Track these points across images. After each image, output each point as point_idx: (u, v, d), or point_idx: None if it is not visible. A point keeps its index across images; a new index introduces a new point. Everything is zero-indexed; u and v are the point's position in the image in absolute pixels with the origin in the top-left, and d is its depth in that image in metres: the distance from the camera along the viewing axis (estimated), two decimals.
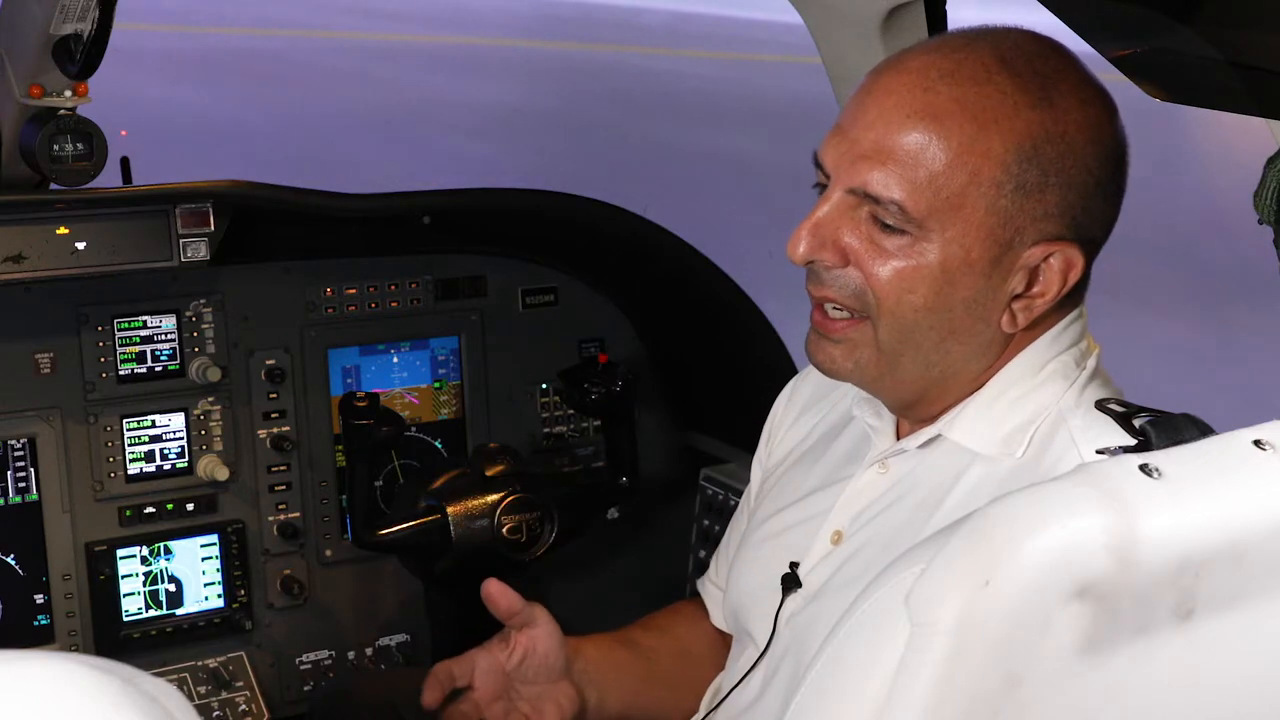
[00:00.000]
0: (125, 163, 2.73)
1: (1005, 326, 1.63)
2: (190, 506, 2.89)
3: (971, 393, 1.68)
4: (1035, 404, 1.65)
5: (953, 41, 1.62)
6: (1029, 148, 1.56)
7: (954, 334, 1.63)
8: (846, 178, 1.60)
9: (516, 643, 1.97)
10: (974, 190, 1.56)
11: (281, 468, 2.96)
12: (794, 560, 1.80)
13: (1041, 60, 1.59)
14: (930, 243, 1.58)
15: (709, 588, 2.12)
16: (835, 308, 1.66)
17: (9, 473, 2.75)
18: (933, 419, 1.71)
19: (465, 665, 1.97)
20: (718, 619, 2.07)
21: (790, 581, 1.79)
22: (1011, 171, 1.56)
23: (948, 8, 2.23)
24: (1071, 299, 1.67)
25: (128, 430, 2.83)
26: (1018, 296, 1.62)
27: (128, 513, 2.84)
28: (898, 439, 1.77)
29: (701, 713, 1.98)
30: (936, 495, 1.68)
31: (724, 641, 2.06)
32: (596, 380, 2.84)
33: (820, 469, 1.87)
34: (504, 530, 2.71)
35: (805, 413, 1.99)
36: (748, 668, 1.84)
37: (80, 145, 2.50)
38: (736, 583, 1.94)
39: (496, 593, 1.98)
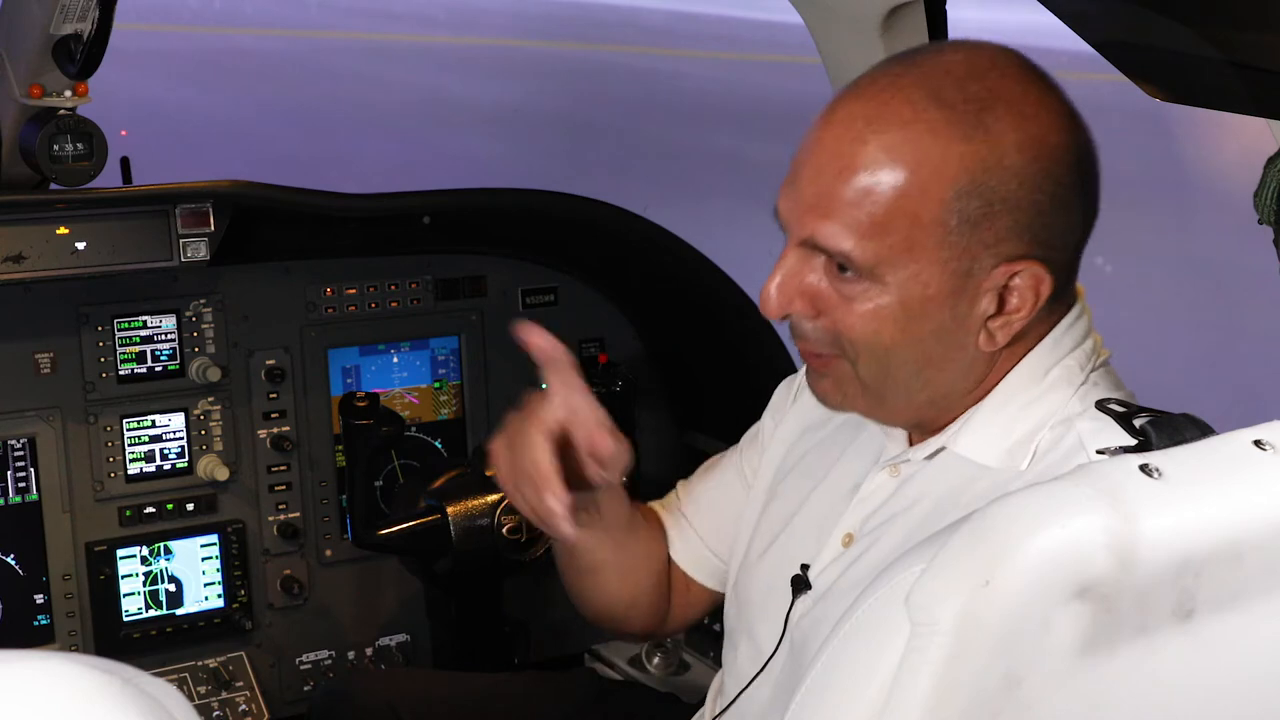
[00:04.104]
0: (125, 163, 2.73)
1: (984, 346, 1.62)
2: (190, 506, 2.89)
3: (974, 403, 1.68)
4: (1041, 411, 1.65)
5: (880, 80, 1.59)
6: (965, 182, 1.53)
7: (930, 363, 1.63)
8: (798, 230, 1.62)
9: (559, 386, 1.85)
10: (919, 232, 1.55)
11: (281, 468, 2.96)
12: (805, 562, 1.80)
13: (976, 82, 1.56)
14: (886, 284, 1.58)
15: (675, 515, 2.10)
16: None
17: (9, 473, 2.75)
18: (940, 429, 1.71)
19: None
20: (676, 549, 2.08)
21: (800, 583, 1.79)
22: (952, 208, 1.54)
23: (947, 8, 2.23)
24: (1060, 303, 1.66)
25: (128, 430, 2.83)
26: (993, 316, 1.61)
27: (128, 513, 2.84)
28: (910, 444, 1.77)
29: (709, 714, 1.97)
30: (945, 502, 1.67)
31: (670, 569, 2.07)
32: (596, 380, 2.84)
33: (834, 472, 1.87)
34: (504, 530, 2.71)
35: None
36: (755, 671, 1.83)
37: (80, 145, 2.51)
38: (745, 583, 1.93)
39: (533, 329, 1.83)
